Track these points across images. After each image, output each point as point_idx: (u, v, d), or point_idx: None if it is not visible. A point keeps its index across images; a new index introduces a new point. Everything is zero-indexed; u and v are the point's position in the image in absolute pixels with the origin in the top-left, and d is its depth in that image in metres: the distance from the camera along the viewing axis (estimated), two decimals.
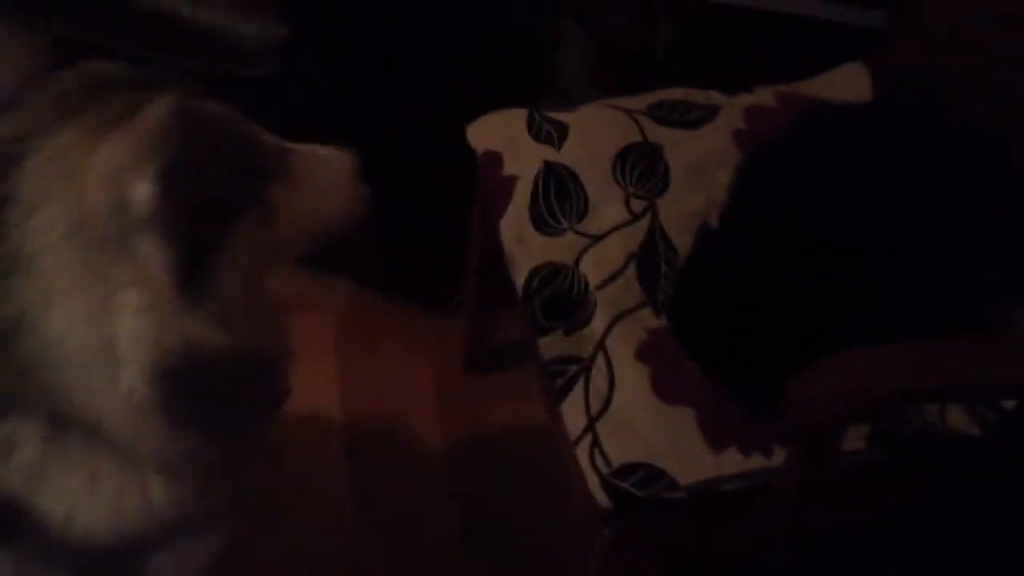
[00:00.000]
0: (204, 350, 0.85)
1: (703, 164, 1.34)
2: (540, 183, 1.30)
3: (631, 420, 1.14)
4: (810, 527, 1.11)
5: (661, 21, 1.64)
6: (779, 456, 1.11)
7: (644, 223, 1.28)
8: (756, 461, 1.11)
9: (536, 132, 1.35)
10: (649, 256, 1.26)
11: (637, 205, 1.30)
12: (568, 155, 1.33)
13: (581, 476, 1.13)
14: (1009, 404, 1.13)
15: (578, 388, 1.16)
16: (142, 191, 0.80)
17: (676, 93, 1.43)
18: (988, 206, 1.14)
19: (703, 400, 1.14)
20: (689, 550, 1.19)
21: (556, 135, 1.35)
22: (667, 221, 1.29)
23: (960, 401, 1.11)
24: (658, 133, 1.36)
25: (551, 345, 1.20)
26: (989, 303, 1.15)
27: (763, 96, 1.44)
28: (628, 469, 1.11)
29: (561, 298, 1.23)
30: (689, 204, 1.30)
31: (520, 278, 1.25)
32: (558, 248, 1.26)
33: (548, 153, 1.33)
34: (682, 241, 1.27)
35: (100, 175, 0.81)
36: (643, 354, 1.18)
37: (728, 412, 1.14)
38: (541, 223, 1.28)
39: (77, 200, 0.81)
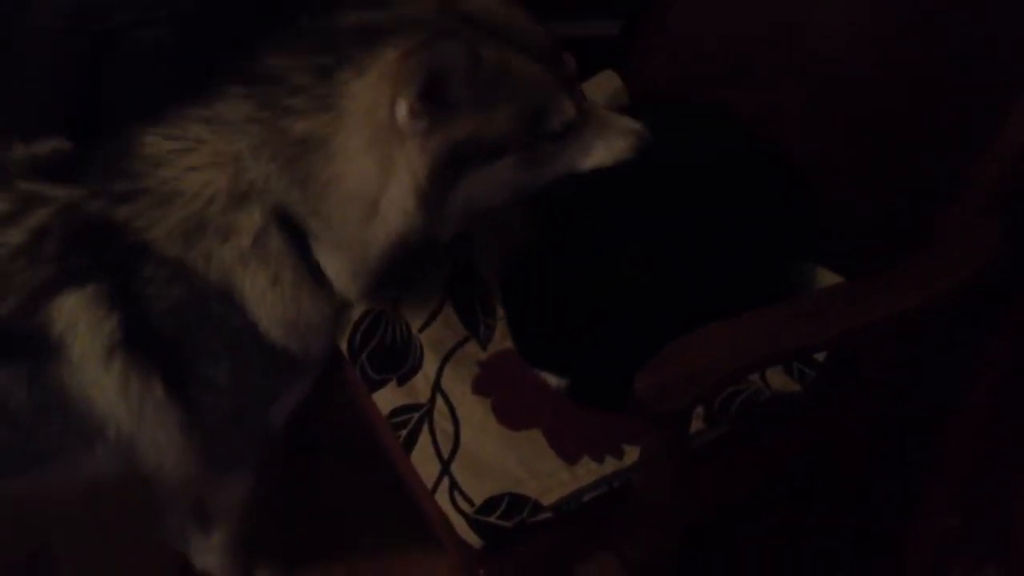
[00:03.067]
0: (423, 237, 1.08)
1: None
2: None
3: (483, 454, 1.13)
4: (679, 517, 1.14)
5: None
6: (630, 455, 1.13)
7: (450, 260, 1.28)
8: (610, 465, 1.13)
9: None
10: (462, 291, 1.27)
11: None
12: None
13: (447, 522, 1.11)
14: (820, 356, 1.21)
15: (424, 435, 1.15)
16: (401, 108, 1.00)
17: None
18: (768, 193, 1.22)
19: (548, 418, 1.16)
20: (566, 566, 1.20)
21: None
22: (471, 254, 1.29)
23: (784, 362, 1.18)
24: None
25: (387, 398, 1.18)
26: (786, 271, 1.22)
27: None
28: (491, 503, 1.10)
29: (387, 348, 1.21)
30: (488, 235, 1.31)
31: (343, 337, 1.22)
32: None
33: None
34: (487, 269, 1.28)
35: (389, 79, 1.00)
36: (480, 387, 1.18)
37: (573, 423, 1.15)
38: None
39: (376, 89, 1.01)
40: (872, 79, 1.22)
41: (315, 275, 1.09)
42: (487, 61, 1.02)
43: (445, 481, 1.12)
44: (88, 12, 1.31)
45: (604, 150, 1.13)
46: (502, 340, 1.23)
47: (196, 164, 1.05)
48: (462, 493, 1.11)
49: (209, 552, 1.43)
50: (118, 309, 1.04)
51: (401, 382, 1.19)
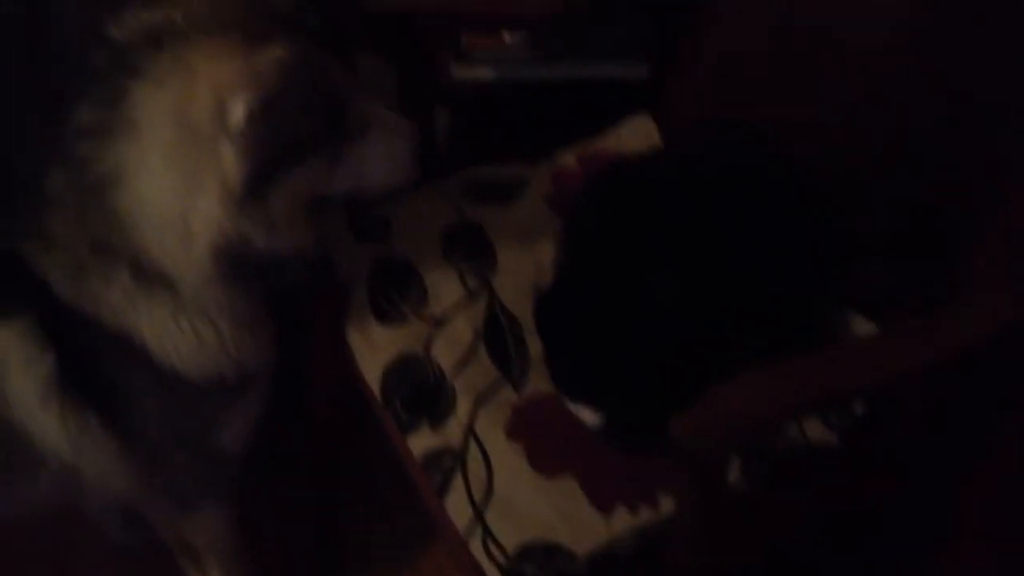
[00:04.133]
0: (254, 248, 1.05)
1: (525, 233, 1.35)
2: (374, 278, 1.28)
3: (517, 501, 1.12)
4: (716, 568, 1.11)
5: (434, 111, 1.64)
6: (666, 506, 1.11)
7: (483, 300, 1.28)
8: (645, 515, 1.11)
9: (360, 232, 1.33)
10: (495, 332, 1.26)
11: (472, 282, 1.29)
12: (396, 247, 1.31)
13: (480, 571, 1.09)
14: (859, 409, 1.20)
15: (457, 480, 1.13)
16: (238, 112, 0.96)
17: (483, 171, 1.44)
18: (799, 233, 1.21)
19: (582, 466, 1.14)
20: None
21: (380, 231, 1.33)
22: (503, 294, 1.29)
23: (822, 410, 1.16)
24: (476, 212, 1.37)
25: (420, 441, 1.17)
26: (824, 318, 1.21)
27: (565, 160, 1.48)
28: (525, 552, 1.08)
29: (420, 391, 1.20)
30: (520, 274, 1.31)
31: (375, 381, 1.22)
32: (406, 337, 1.24)
33: (376, 250, 1.31)
34: (520, 311, 1.27)
35: (213, 83, 0.97)
36: (514, 432, 1.16)
37: (607, 470, 1.14)
38: (383, 315, 1.26)
39: (187, 94, 0.98)
40: (909, 110, 1.21)
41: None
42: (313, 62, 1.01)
43: (478, 529, 1.10)
44: None
45: (388, 153, 1.12)
46: (536, 383, 1.21)
47: (50, 224, 1.05)
48: (495, 541, 1.09)
49: None
50: (50, 347, 1.05)
51: (434, 425, 1.18)
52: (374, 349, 1.23)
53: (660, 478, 1.13)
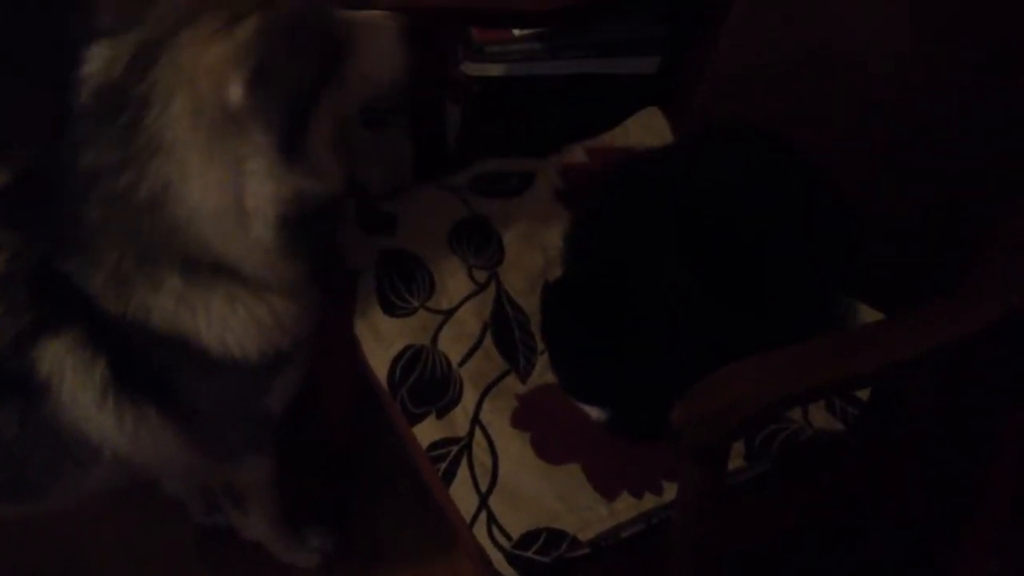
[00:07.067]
0: (308, 198, 1.08)
1: (533, 227, 1.37)
2: (382, 271, 1.30)
3: (522, 488, 1.13)
4: (719, 555, 1.12)
5: (445, 106, 1.66)
6: (670, 491, 1.12)
7: (490, 292, 1.30)
8: (649, 501, 1.13)
9: (366, 225, 1.35)
10: (502, 324, 1.27)
11: (480, 275, 1.31)
12: (403, 240, 1.33)
13: (484, 556, 1.11)
14: (864, 395, 1.20)
15: (463, 468, 1.15)
16: (235, 91, 0.99)
17: (491, 165, 1.45)
18: (810, 223, 1.22)
19: (587, 453, 1.15)
20: None
21: (387, 224, 1.35)
22: (510, 287, 1.31)
23: (824, 396, 1.17)
24: (484, 205, 1.38)
25: (426, 431, 1.19)
26: (834, 309, 1.22)
27: (574, 154, 1.48)
28: (529, 537, 1.10)
29: (426, 382, 1.22)
30: (527, 267, 1.33)
31: (382, 371, 1.23)
32: (413, 329, 1.26)
33: (383, 242, 1.33)
34: (528, 303, 1.29)
35: (207, 74, 1.00)
36: (519, 421, 1.18)
37: (612, 459, 1.15)
38: (391, 307, 1.28)
39: (193, 95, 1.01)
40: (918, 100, 1.21)
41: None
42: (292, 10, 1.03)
43: (483, 515, 1.12)
44: None
45: (379, 51, 1.15)
46: (541, 374, 1.23)
47: (95, 247, 1.08)
48: (499, 527, 1.11)
49: (254, 527, 1.49)
50: (102, 351, 1.08)
51: (440, 415, 1.19)
52: (381, 341, 1.25)
53: (664, 464, 1.14)
